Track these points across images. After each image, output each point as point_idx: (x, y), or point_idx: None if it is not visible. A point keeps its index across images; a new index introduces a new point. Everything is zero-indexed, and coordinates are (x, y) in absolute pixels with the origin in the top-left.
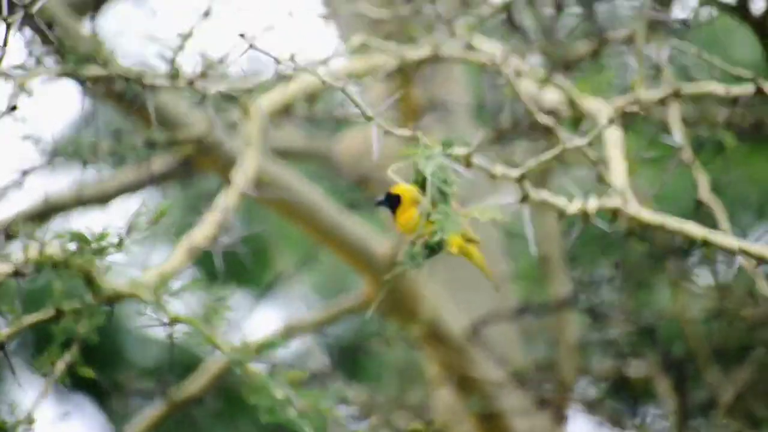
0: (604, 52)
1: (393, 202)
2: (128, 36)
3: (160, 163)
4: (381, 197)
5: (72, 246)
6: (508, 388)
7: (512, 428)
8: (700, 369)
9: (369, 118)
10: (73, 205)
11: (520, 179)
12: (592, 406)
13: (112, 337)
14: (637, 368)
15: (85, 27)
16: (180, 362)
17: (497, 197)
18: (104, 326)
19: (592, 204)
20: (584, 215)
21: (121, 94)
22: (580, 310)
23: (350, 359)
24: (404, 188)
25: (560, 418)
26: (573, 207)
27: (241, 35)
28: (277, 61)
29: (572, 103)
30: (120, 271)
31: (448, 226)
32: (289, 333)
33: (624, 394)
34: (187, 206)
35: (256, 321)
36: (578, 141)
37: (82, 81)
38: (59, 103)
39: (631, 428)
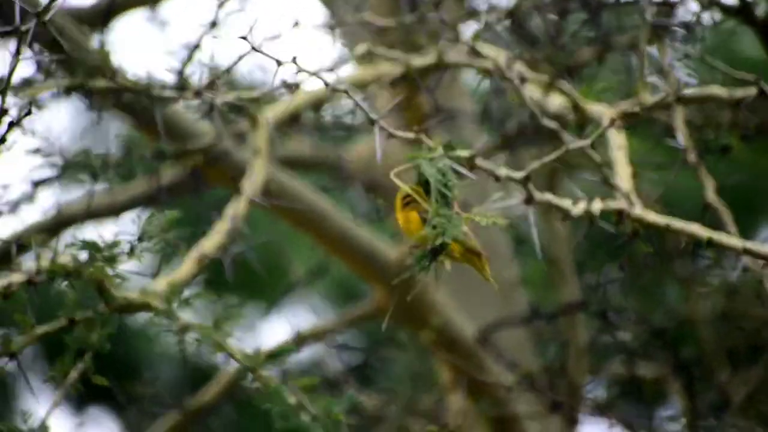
0: (609, 56)
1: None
2: (138, 48)
3: (170, 175)
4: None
5: (84, 255)
6: (519, 391)
7: None
8: (711, 370)
9: (372, 122)
10: (84, 217)
11: (525, 181)
12: (603, 409)
13: (128, 348)
14: (647, 370)
15: (93, 40)
16: (195, 375)
17: (502, 199)
18: (120, 337)
19: (597, 205)
20: (589, 217)
21: (129, 105)
22: (590, 313)
23: (363, 365)
24: (405, 189)
25: (572, 422)
26: (577, 209)
27: (243, 38)
28: (279, 63)
29: (576, 108)
30: (133, 281)
31: (450, 229)
32: (300, 341)
33: (635, 397)
34: (197, 218)
35: (269, 330)
36: (581, 142)
37: (90, 94)
38: (68, 115)
39: (643, 431)
